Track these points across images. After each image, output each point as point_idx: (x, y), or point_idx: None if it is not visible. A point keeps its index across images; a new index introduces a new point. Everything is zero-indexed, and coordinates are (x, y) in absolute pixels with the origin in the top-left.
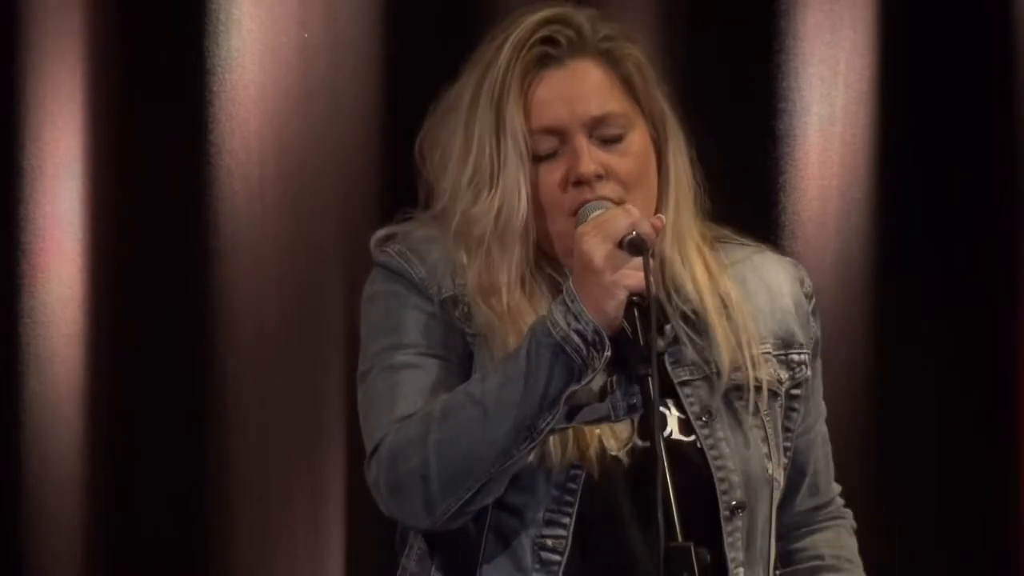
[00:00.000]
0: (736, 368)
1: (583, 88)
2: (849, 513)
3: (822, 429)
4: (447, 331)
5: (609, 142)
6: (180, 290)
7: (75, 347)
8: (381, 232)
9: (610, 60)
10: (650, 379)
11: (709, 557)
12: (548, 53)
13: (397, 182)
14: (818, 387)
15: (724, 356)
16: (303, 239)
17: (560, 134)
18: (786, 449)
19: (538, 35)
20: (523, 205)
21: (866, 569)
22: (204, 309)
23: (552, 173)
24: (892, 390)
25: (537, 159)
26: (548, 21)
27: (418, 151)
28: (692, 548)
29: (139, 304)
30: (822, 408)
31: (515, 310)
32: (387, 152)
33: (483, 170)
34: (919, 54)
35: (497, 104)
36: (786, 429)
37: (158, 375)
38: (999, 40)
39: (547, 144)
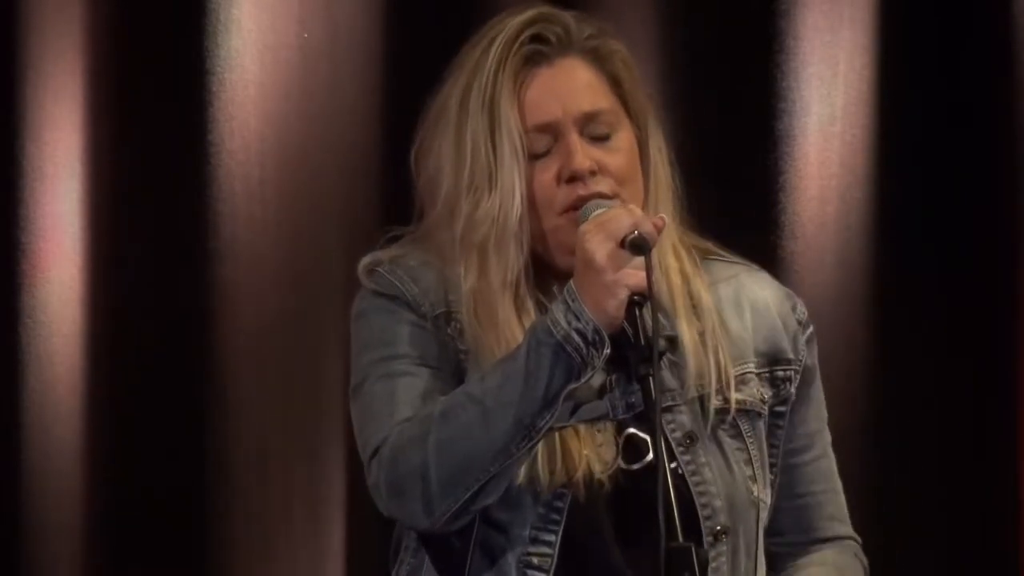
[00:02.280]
0: (714, 392)
1: (574, 85)
2: (860, 550)
3: (824, 464)
4: (441, 346)
5: (599, 139)
6: (180, 290)
7: (75, 347)
8: (367, 259)
9: (597, 58)
10: (651, 379)
11: (709, 557)
12: (539, 50)
13: (397, 182)
14: (813, 416)
15: (698, 382)
16: (303, 239)
17: (553, 132)
18: (772, 465)
19: (527, 33)
20: (518, 204)
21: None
22: (204, 309)
23: (546, 171)
24: (892, 390)
25: (532, 157)
26: (535, 20)
27: (413, 162)
28: (693, 548)
29: (139, 304)
30: (822, 440)
31: (504, 327)
32: (387, 152)
33: (481, 172)
34: (919, 54)
35: (490, 104)
36: (771, 445)
37: (158, 375)
38: (999, 40)
39: (541, 142)
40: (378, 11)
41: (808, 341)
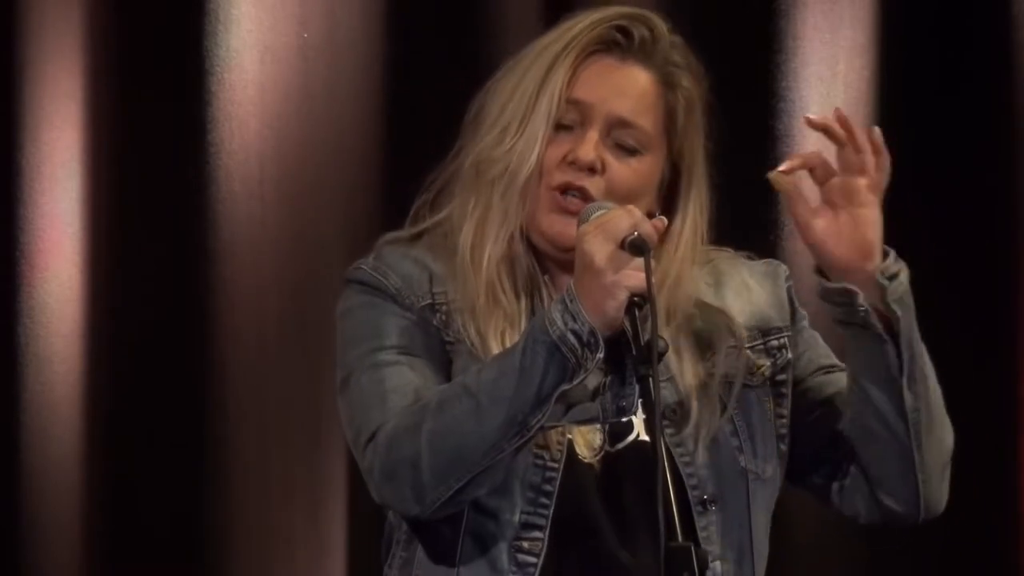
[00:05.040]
0: (687, 367)
1: (627, 88)
2: None
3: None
4: (427, 337)
5: (622, 149)
6: (179, 290)
7: (74, 347)
8: (389, 236)
9: (666, 83)
10: (651, 379)
11: (709, 558)
12: (618, 41)
13: (397, 181)
14: (814, 340)
15: (671, 355)
16: (303, 239)
17: (583, 113)
18: (782, 436)
19: (618, 22)
20: (533, 160)
21: (864, 569)
22: (203, 309)
23: (557, 146)
24: None
25: (558, 127)
26: (632, 16)
27: (481, 95)
28: (693, 548)
29: (138, 304)
30: (832, 358)
31: (490, 264)
32: (387, 152)
33: (516, 113)
34: (918, 54)
35: (553, 61)
36: (779, 416)
37: (157, 375)
38: (998, 40)
39: (570, 117)
40: (378, 12)
41: (789, 289)
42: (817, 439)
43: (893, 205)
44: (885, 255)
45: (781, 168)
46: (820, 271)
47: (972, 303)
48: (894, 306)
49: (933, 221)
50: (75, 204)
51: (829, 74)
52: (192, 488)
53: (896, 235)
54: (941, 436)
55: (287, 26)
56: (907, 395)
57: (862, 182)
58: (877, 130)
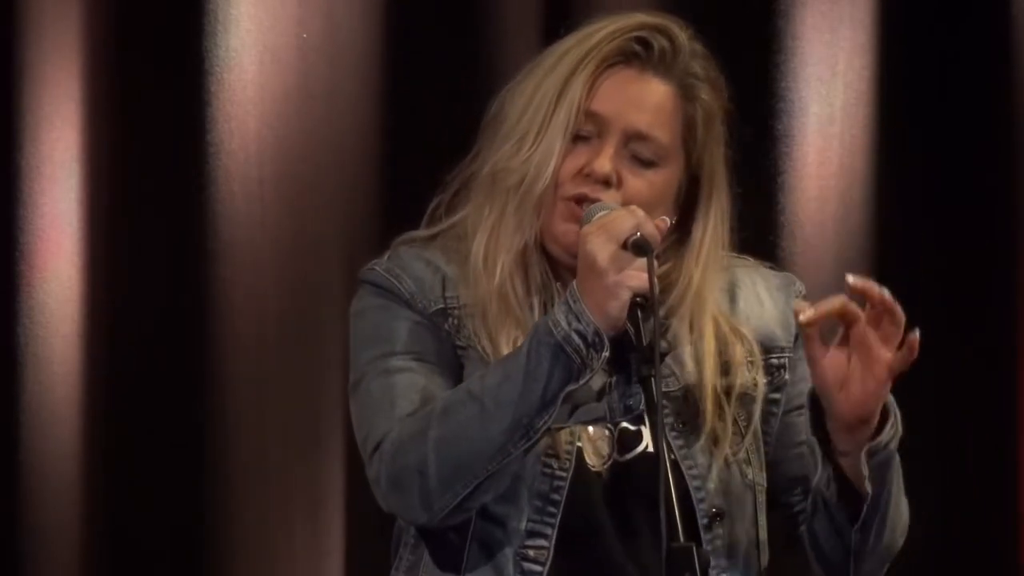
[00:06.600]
0: (707, 378)
1: (644, 101)
2: None
3: None
4: (438, 342)
5: (639, 161)
6: (178, 291)
7: (73, 347)
8: (402, 237)
9: (685, 95)
10: (653, 379)
11: (711, 558)
12: (637, 53)
13: (397, 182)
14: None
15: (692, 367)
16: (302, 239)
17: (600, 126)
18: (765, 453)
19: (638, 33)
20: (549, 172)
21: None
22: (203, 310)
23: (574, 158)
24: (891, 390)
25: (575, 138)
26: (653, 27)
27: (501, 97)
28: (694, 548)
29: (137, 305)
30: None
31: (504, 270)
32: (387, 152)
33: (535, 122)
34: (918, 54)
35: (571, 72)
36: (764, 432)
37: (156, 376)
38: (998, 39)
39: (587, 128)
40: (378, 11)
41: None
42: (782, 475)
43: (893, 205)
44: (884, 416)
45: (810, 314)
46: (815, 403)
47: (972, 304)
48: (868, 485)
49: (933, 221)
50: (75, 204)
51: (829, 74)
52: (192, 488)
53: (896, 235)
54: (888, 548)
55: (287, 26)
56: (854, 538)
57: (886, 355)
58: (916, 335)
